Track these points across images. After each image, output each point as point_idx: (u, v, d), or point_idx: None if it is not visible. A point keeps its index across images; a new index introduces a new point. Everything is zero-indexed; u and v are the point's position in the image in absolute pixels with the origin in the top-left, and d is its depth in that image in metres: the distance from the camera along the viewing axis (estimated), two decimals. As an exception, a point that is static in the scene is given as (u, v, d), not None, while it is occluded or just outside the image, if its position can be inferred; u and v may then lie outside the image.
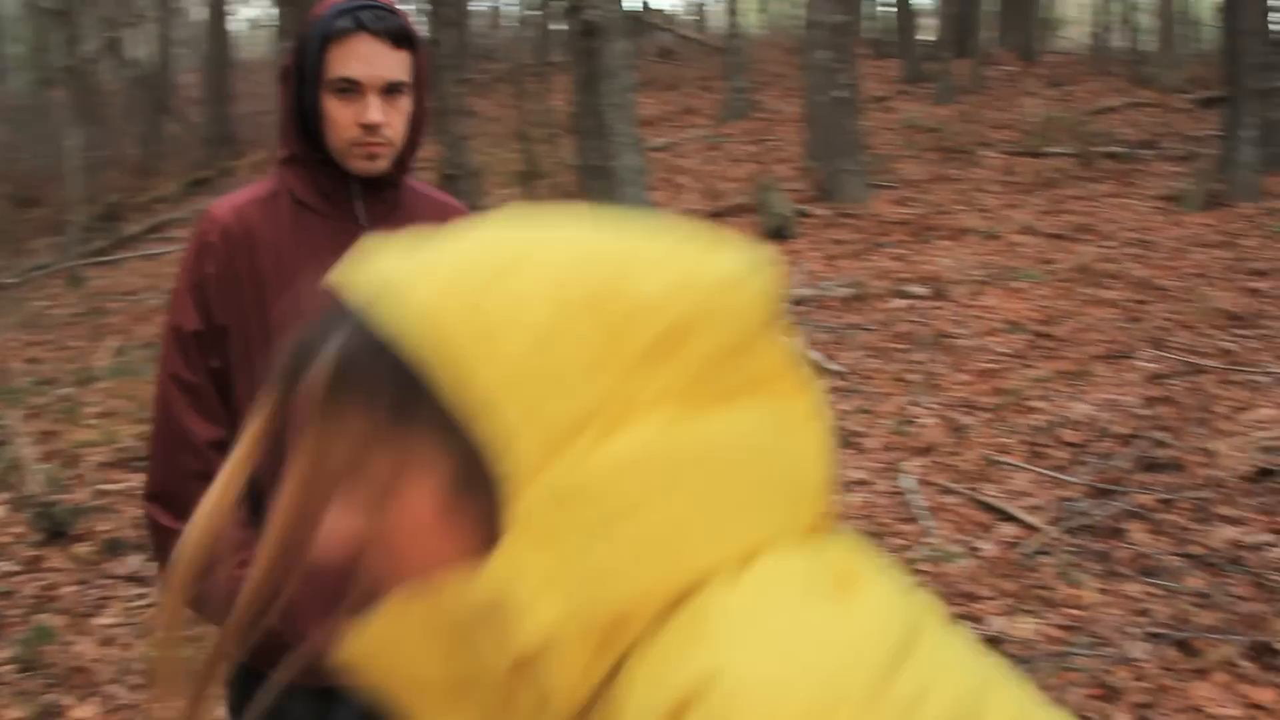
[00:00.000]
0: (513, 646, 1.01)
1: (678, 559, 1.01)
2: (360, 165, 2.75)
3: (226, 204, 2.82)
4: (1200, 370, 9.01)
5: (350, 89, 2.68)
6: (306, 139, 2.78)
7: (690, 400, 1.03)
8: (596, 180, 10.12)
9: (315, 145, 2.78)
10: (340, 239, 2.65)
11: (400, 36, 2.69)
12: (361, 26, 2.66)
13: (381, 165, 2.77)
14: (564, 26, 11.59)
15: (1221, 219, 14.48)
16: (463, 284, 1.03)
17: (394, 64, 2.70)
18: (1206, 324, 10.25)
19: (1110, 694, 4.90)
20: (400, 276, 1.05)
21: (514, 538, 1.00)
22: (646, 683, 0.98)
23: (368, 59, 2.67)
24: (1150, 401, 8.37)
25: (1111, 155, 18.41)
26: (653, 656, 0.99)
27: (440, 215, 2.92)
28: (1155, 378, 8.90)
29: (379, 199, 2.85)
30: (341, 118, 2.70)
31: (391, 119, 2.73)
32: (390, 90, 2.71)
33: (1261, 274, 12.04)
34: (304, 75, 2.72)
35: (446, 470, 1.03)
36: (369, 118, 2.68)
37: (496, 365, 1.00)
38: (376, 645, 1.08)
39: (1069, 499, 6.76)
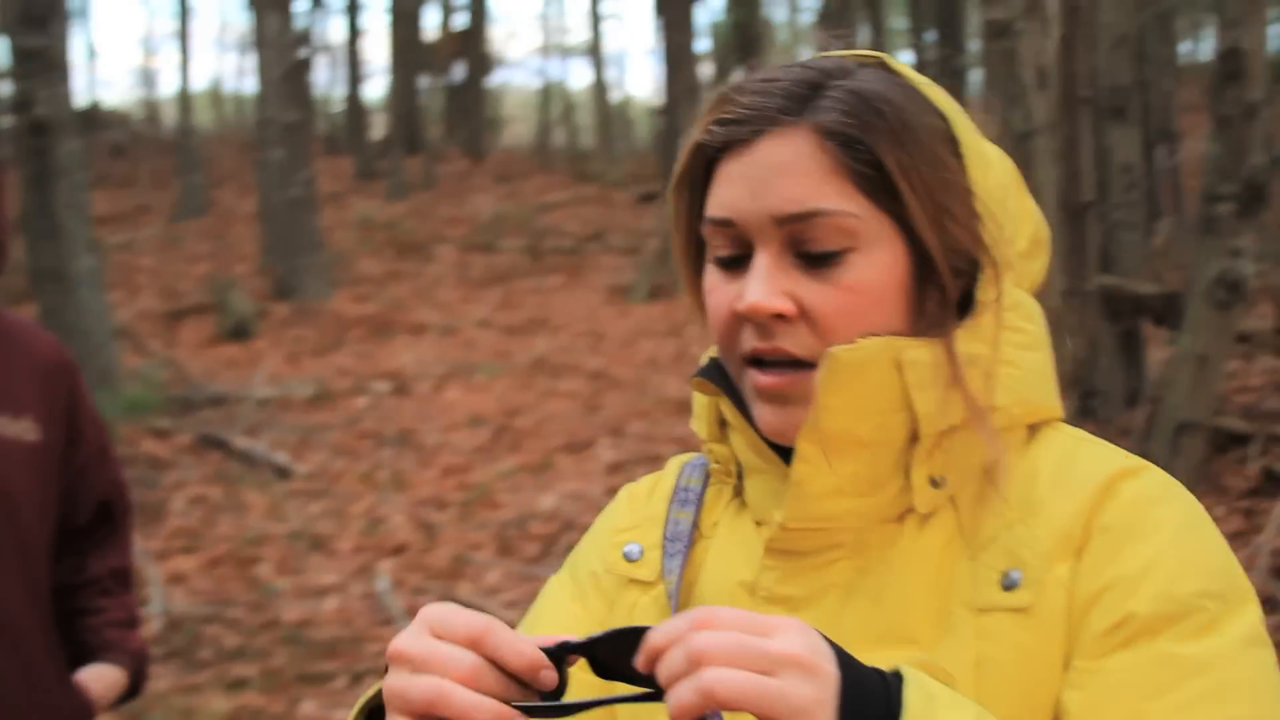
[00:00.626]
0: (969, 404, 1.26)
1: (1052, 394, 1.36)
2: None
3: None
4: (658, 458, 9.42)
5: None
6: None
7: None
8: (50, 283, 9.63)
9: None
10: None
11: None
12: None
13: None
14: (11, 124, 10.99)
15: (666, 309, 15.25)
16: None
17: None
18: (660, 412, 10.75)
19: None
20: None
21: (985, 320, 1.28)
22: (1091, 460, 1.30)
23: None
24: (613, 490, 8.63)
25: (560, 249, 19.08)
26: (1072, 447, 1.33)
27: (29, 345, 2.62)
28: (616, 466, 9.24)
29: None
30: None
31: None
32: None
33: (705, 361, 12.74)
34: None
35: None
36: None
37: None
38: (849, 370, 1.24)
39: (541, 592, 6.90)
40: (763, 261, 1.26)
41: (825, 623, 1.25)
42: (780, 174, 1.25)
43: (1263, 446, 7.96)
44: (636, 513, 1.50)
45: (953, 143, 1.30)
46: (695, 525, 1.44)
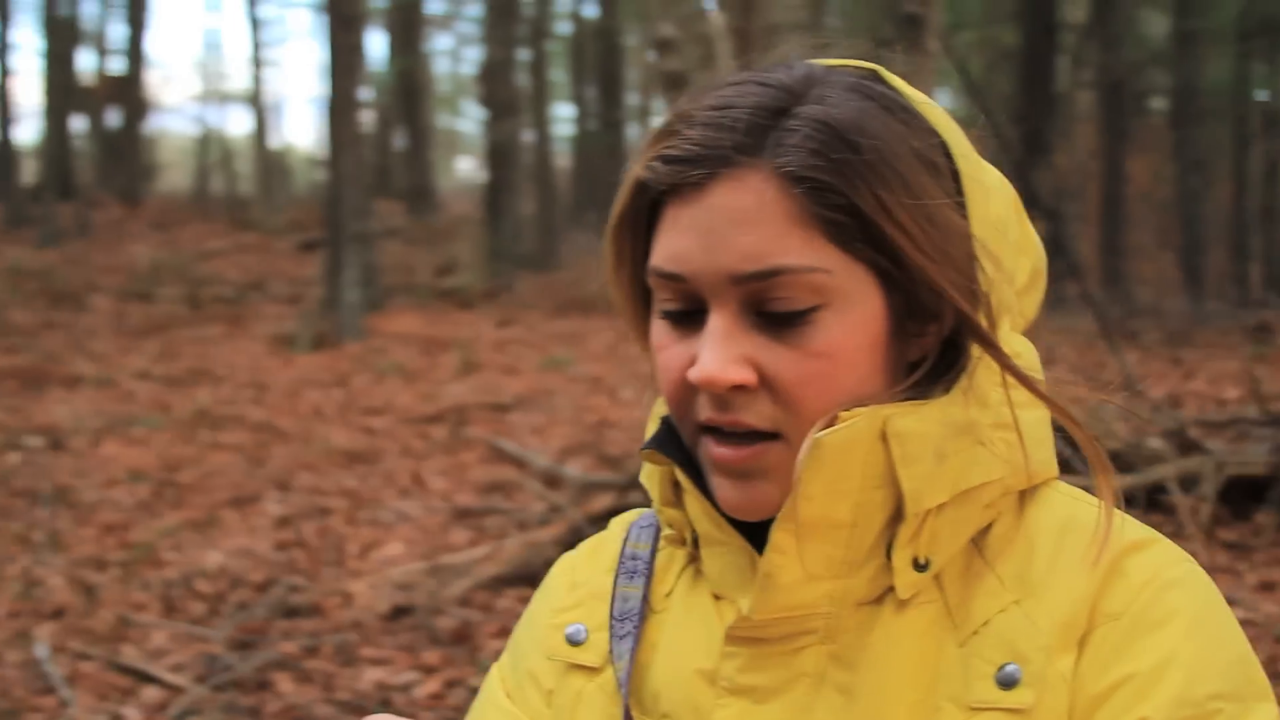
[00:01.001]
0: (965, 479, 1.14)
1: (1050, 454, 1.21)
2: None
3: None
4: (328, 511, 9.21)
5: None
6: None
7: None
8: None
9: None
10: None
11: None
12: None
13: None
14: None
15: (331, 359, 15.01)
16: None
17: None
18: (328, 464, 10.53)
19: None
20: None
21: (980, 377, 1.15)
22: (1085, 539, 1.15)
23: None
24: (282, 546, 8.43)
25: (221, 298, 18.57)
26: (1072, 515, 1.18)
27: None
28: (284, 521, 9.00)
29: None
30: None
31: None
32: None
33: (376, 412, 12.57)
34: None
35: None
36: None
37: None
38: (839, 447, 1.10)
39: (212, 654, 6.62)
40: (718, 324, 1.11)
41: (794, 716, 1.15)
42: (737, 225, 1.09)
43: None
44: (578, 588, 1.35)
45: (950, 172, 1.15)
46: (645, 599, 1.29)
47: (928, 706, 1.13)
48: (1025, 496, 1.20)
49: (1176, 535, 6.74)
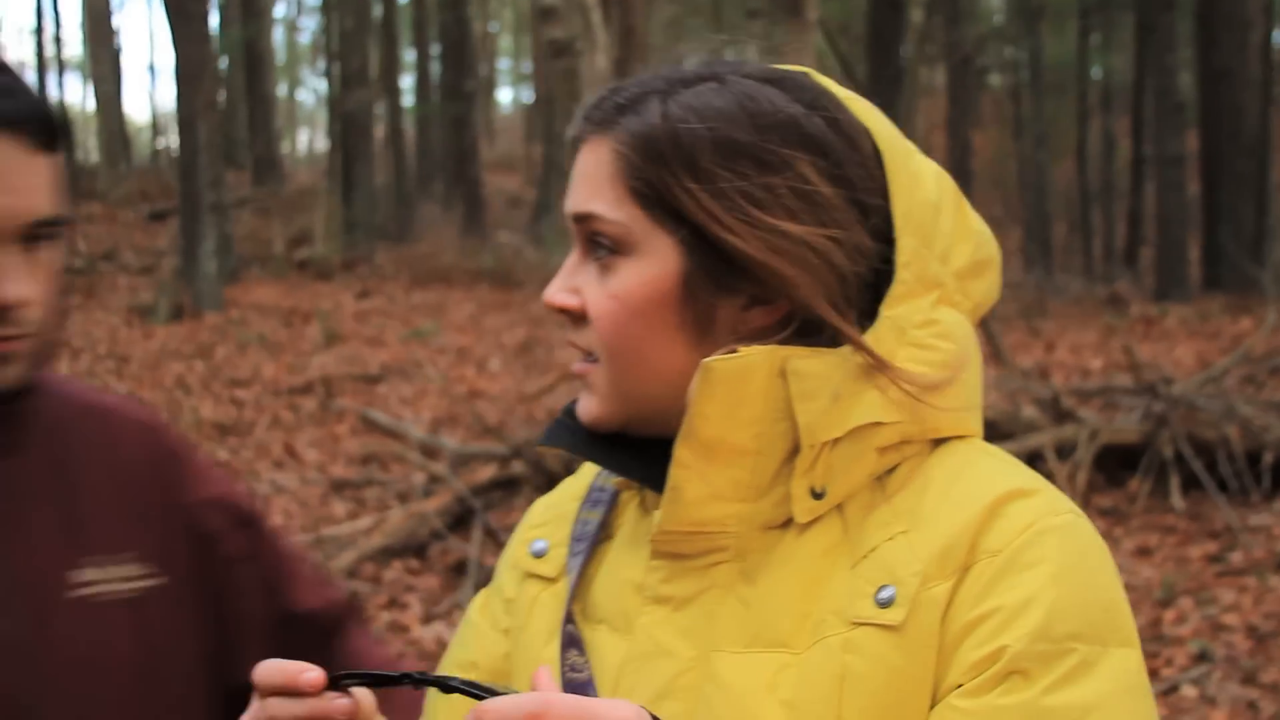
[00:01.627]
0: (855, 418, 1.27)
1: (961, 411, 1.33)
2: None
3: None
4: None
5: None
6: None
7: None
8: None
9: None
10: None
11: (43, 127, 1.54)
12: None
13: (14, 374, 1.57)
14: None
15: (192, 330, 14.73)
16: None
17: (38, 183, 1.53)
18: (199, 436, 10.34)
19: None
20: None
21: (882, 335, 1.28)
22: (983, 476, 1.27)
23: None
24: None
25: (72, 269, 18.11)
26: (968, 461, 1.30)
27: (108, 440, 1.75)
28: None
29: None
30: None
31: (39, 288, 1.55)
32: (33, 236, 1.54)
33: (242, 383, 12.37)
34: None
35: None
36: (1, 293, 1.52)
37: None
38: (725, 378, 1.25)
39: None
40: (570, 258, 1.35)
41: (702, 622, 1.31)
42: (581, 178, 1.33)
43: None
44: (548, 510, 1.54)
45: (831, 170, 1.29)
46: (603, 525, 1.47)
47: (814, 619, 1.27)
48: (934, 447, 1.32)
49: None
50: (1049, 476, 7.49)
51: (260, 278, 18.48)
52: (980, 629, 1.19)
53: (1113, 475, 8.12)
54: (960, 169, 22.90)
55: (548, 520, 1.52)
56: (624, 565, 1.41)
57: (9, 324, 1.51)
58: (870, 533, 1.28)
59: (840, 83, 1.37)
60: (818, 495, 1.28)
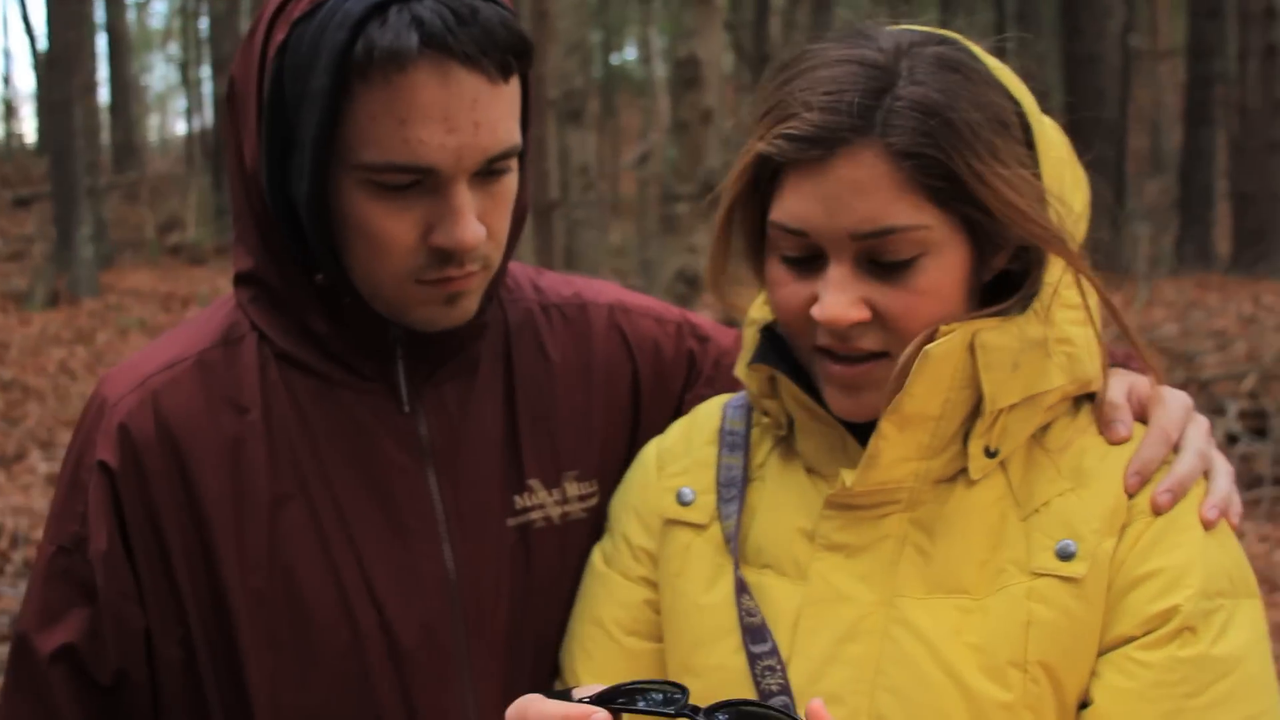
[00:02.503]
0: (1033, 386, 1.38)
1: (1098, 366, 1.43)
2: (426, 316, 1.51)
3: (130, 381, 1.54)
4: (108, 466, 8.95)
5: (412, 181, 1.43)
6: (292, 247, 1.52)
7: None
8: None
9: (314, 258, 1.51)
10: (365, 431, 1.57)
11: (510, 52, 1.43)
12: (436, 44, 1.38)
13: (468, 309, 1.53)
14: None
15: (70, 315, 14.50)
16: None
17: (501, 114, 1.44)
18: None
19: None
20: None
21: (1045, 300, 1.38)
22: (1127, 446, 1.42)
23: (448, 112, 1.40)
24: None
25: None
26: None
27: (581, 343, 1.72)
28: (55, 478, 8.70)
29: (435, 345, 1.58)
30: (393, 232, 1.45)
31: (494, 221, 1.49)
32: (491, 171, 1.47)
33: (129, 368, 12.20)
34: (283, 128, 1.46)
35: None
36: (459, 237, 1.44)
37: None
38: (942, 356, 1.34)
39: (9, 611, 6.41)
40: (838, 273, 1.35)
41: (880, 569, 1.41)
42: (855, 194, 1.32)
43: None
44: (683, 456, 1.59)
45: (1024, 128, 1.38)
46: (745, 469, 1.53)
47: (993, 568, 1.39)
48: (1079, 402, 1.46)
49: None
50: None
51: (134, 263, 18.22)
52: (1148, 585, 1.36)
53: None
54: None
55: (687, 468, 1.57)
56: (785, 512, 1.49)
57: (467, 262, 1.47)
58: (1039, 488, 1.41)
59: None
60: (991, 454, 1.41)
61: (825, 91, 1.33)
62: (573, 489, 1.65)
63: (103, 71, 30.22)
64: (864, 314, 1.35)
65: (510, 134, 1.45)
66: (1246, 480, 7.46)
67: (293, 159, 1.45)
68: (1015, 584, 1.37)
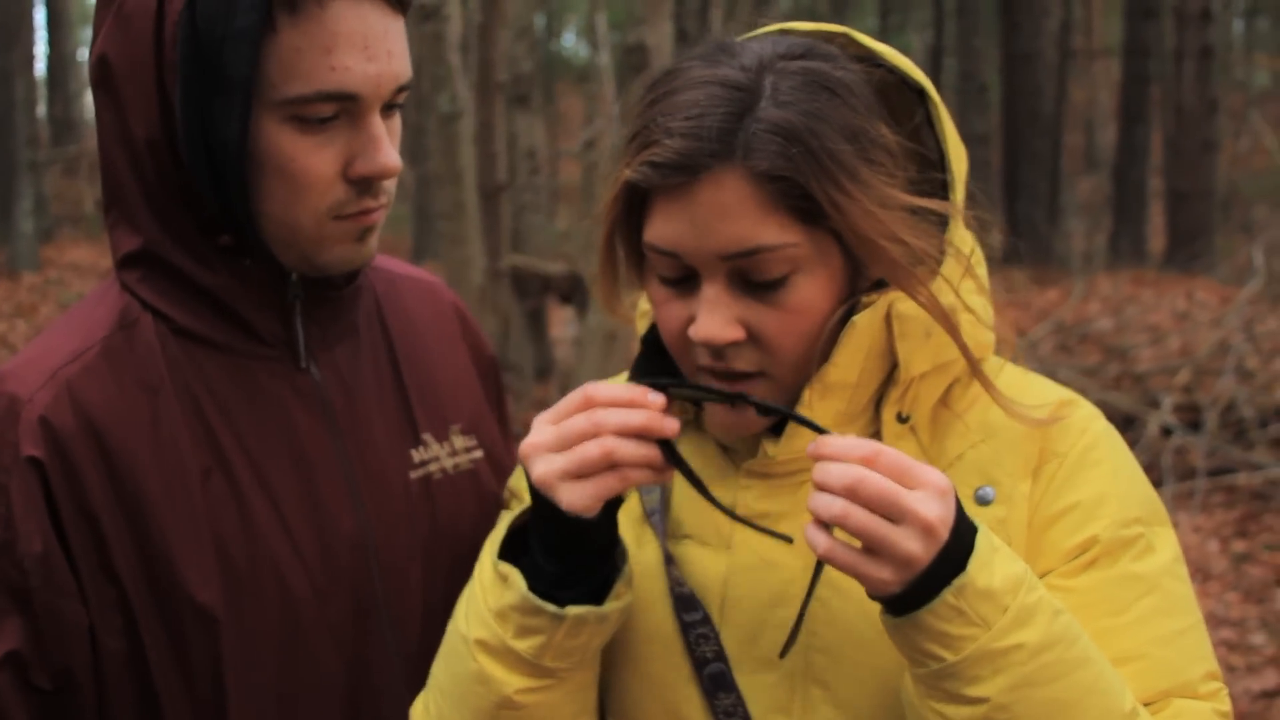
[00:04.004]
0: (945, 353, 1.45)
1: (990, 332, 1.49)
2: (341, 255, 1.55)
3: (38, 375, 1.50)
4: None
5: (335, 112, 1.48)
6: (193, 210, 1.53)
7: None
8: None
9: (220, 217, 1.53)
10: (273, 398, 1.59)
11: None
12: None
13: (374, 246, 1.59)
14: None
15: (9, 290, 14.44)
16: None
17: (403, 45, 1.53)
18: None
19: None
20: None
21: (950, 270, 1.43)
22: (1036, 390, 1.53)
23: (367, 41, 1.47)
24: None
25: None
26: (1015, 378, 1.54)
27: (435, 312, 1.80)
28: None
29: (325, 305, 1.63)
30: (317, 168, 1.49)
31: (394, 154, 1.55)
32: (390, 105, 1.54)
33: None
34: (205, 75, 1.45)
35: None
36: (382, 163, 1.51)
37: None
38: (864, 325, 1.41)
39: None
40: (711, 293, 1.38)
41: (802, 535, 1.35)
42: (721, 217, 1.35)
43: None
44: None
45: (923, 111, 1.48)
46: None
47: None
48: (976, 365, 1.49)
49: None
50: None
51: (74, 237, 18.10)
52: (1066, 520, 1.45)
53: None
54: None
55: None
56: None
57: (380, 192, 1.53)
58: (950, 444, 1.49)
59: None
60: (903, 420, 1.48)
61: (686, 117, 1.34)
62: (459, 441, 1.72)
63: (40, 46, 29.95)
64: (738, 333, 1.38)
65: (408, 66, 1.53)
66: (1180, 473, 7.62)
67: (214, 105, 1.45)
68: None
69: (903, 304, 1.42)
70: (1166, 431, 7.93)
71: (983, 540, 1.28)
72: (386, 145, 1.49)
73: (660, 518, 1.52)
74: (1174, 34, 16.93)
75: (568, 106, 29.21)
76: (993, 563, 1.27)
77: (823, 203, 1.33)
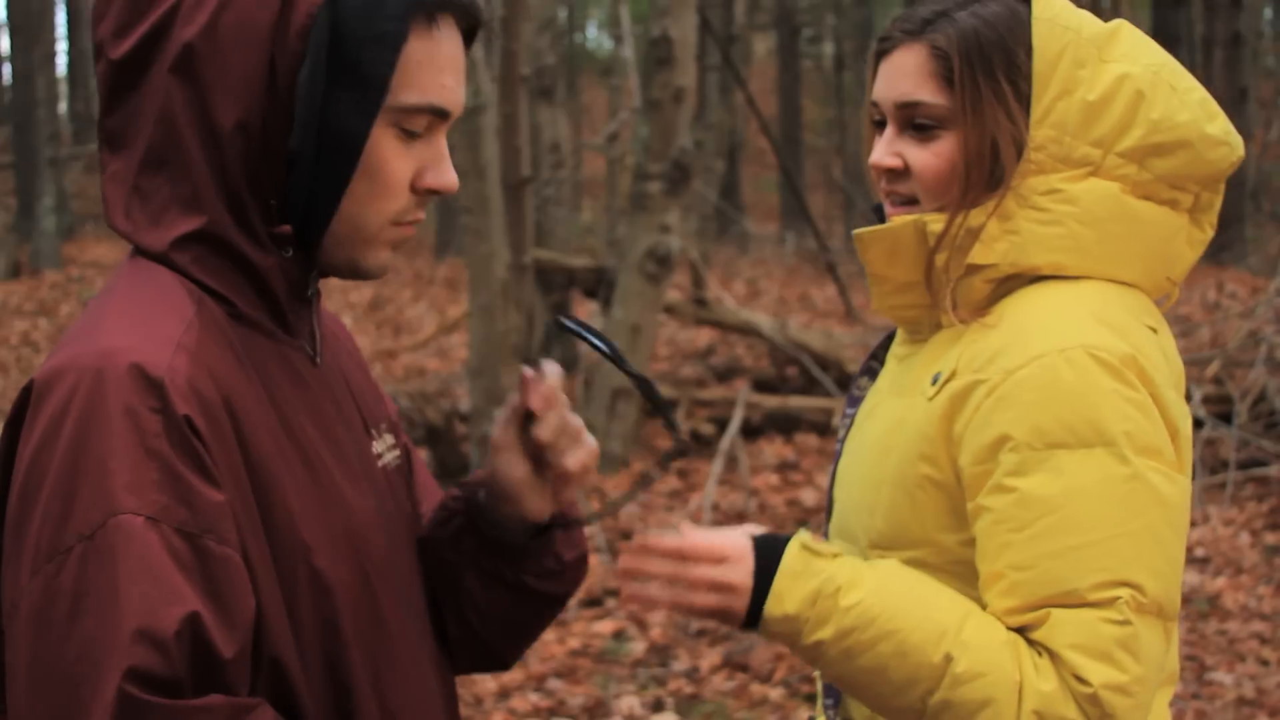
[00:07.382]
0: (968, 260, 1.81)
1: (1055, 257, 1.82)
2: (380, 259, 1.64)
3: (160, 345, 1.46)
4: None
5: (428, 125, 1.59)
6: (265, 204, 1.55)
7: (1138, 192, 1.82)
8: None
9: (283, 210, 1.56)
10: (308, 386, 1.63)
11: (473, 16, 1.65)
12: (456, 2, 1.59)
13: (388, 261, 1.70)
14: None
15: (32, 288, 14.43)
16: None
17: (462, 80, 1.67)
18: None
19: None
20: None
21: (1006, 202, 1.81)
22: (1045, 323, 1.77)
23: (458, 66, 1.61)
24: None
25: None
26: (1035, 309, 1.80)
27: (332, 320, 1.83)
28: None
29: (316, 303, 1.71)
30: (400, 174, 1.58)
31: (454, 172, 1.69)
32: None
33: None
34: (334, 70, 1.52)
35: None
36: (448, 179, 1.62)
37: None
38: (876, 240, 1.87)
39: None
40: (887, 132, 1.87)
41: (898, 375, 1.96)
42: (899, 74, 1.86)
43: (687, 410, 8.56)
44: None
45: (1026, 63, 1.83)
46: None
47: (916, 392, 1.85)
48: (1032, 283, 1.83)
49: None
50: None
51: (95, 235, 18.09)
52: (981, 436, 1.74)
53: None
54: (791, 134, 23.31)
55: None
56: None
57: (421, 209, 1.62)
58: (964, 345, 1.81)
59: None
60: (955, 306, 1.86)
61: (918, 9, 1.87)
62: (388, 439, 1.78)
63: (61, 42, 30.00)
64: (896, 161, 1.85)
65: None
66: (1211, 465, 7.52)
67: (337, 99, 1.51)
68: (917, 398, 1.84)
69: (934, 224, 1.82)
70: (1197, 423, 7.82)
71: (781, 575, 1.74)
72: (449, 163, 1.61)
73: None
74: (1203, 21, 16.79)
75: (591, 100, 29.19)
76: (787, 593, 1.73)
77: (964, 83, 1.79)
